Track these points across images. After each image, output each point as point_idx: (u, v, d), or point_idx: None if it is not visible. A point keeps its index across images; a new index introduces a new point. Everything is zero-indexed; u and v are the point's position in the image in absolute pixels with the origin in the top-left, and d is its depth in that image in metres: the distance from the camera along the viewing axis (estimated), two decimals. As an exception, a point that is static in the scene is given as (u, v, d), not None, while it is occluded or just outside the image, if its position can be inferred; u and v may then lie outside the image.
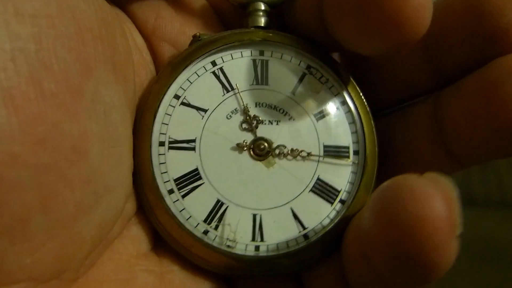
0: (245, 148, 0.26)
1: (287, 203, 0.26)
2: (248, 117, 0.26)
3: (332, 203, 0.26)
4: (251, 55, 0.27)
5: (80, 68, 0.20)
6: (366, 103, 0.28)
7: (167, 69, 0.27)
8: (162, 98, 0.26)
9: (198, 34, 0.27)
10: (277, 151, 0.26)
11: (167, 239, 0.26)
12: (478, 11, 0.24)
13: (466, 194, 0.26)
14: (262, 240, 0.25)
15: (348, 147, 0.27)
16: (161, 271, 0.26)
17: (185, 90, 0.26)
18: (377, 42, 0.23)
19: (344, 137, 0.27)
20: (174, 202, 0.25)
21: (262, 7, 0.29)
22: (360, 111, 0.27)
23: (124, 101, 0.23)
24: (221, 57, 0.27)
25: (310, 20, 0.26)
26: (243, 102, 0.27)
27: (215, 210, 0.25)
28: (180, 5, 0.29)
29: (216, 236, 0.25)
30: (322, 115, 0.27)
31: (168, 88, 0.26)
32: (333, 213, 0.26)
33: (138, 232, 0.26)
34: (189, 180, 0.26)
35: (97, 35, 0.21)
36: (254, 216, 0.26)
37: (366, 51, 0.25)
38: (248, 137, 0.26)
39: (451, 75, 0.26)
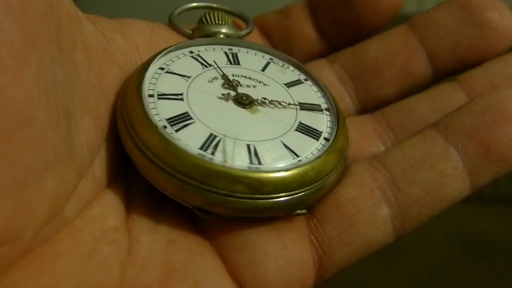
0: (230, 98, 0.28)
1: (277, 137, 0.27)
2: (228, 80, 0.29)
3: (317, 139, 0.28)
4: (222, 50, 0.32)
5: (24, 40, 0.20)
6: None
7: (148, 57, 0.30)
8: (147, 69, 0.28)
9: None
10: (259, 101, 0.28)
11: (158, 178, 0.25)
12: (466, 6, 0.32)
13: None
14: (259, 163, 0.25)
15: (319, 105, 0.30)
16: (127, 243, 0.24)
17: (168, 65, 0.29)
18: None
19: (315, 99, 0.30)
20: (169, 134, 0.25)
21: (221, 36, 0.34)
22: (322, 85, 0.31)
23: (70, 80, 0.24)
24: (197, 49, 0.31)
25: (306, 34, 0.34)
26: (222, 72, 0.30)
27: (209, 141, 0.26)
28: (172, 30, 0.34)
29: (213, 158, 0.25)
30: (291, 84, 0.31)
31: (152, 63, 0.29)
32: (320, 146, 0.27)
33: (101, 212, 0.25)
34: (180, 119, 0.26)
35: (41, 13, 0.21)
36: (248, 145, 0.26)
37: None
38: (231, 93, 0.29)
39: (447, 65, 0.32)
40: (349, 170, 0.29)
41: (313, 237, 0.27)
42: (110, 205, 0.26)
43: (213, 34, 0.34)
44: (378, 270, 0.37)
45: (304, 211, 0.26)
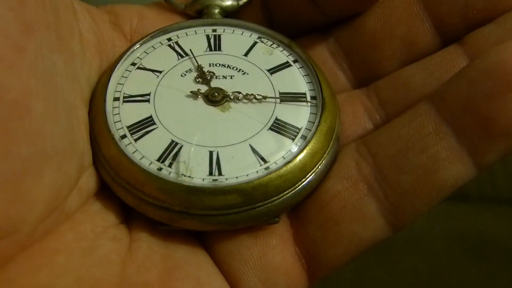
0: (200, 96, 0.26)
1: (245, 140, 0.25)
2: (202, 73, 0.27)
3: (293, 139, 0.25)
4: (204, 32, 0.29)
5: (21, 27, 0.20)
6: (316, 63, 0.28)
7: (126, 49, 0.28)
8: (119, 64, 0.27)
9: None
10: (232, 97, 0.26)
11: (117, 191, 0.24)
12: None
13: (459, 190, 0.25)
14: (220, 174, 0.24)
15: (304, 93, 0.27)
16: (128, 240, 0.24)
17: (141, 59, 0.28)
18: None
19: (300, 86, 0.27)
20: (126, 145, 0.24)
21: (216, 10, 0.31)
22: (313, 66, 0.28)
23: (70, 71, 0.23)
24: (177, 35, 0.29)
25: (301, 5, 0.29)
26: (197, 62, 0.28)
27: (169, 150, 0.24)
28: (162, 9, 0.32)
29: (170, 172, 0.23)
30: (275, 70, 0.28)
31: (126, 58, 0.27)
32: (295, 148, 0.25)
33: (103, 207, 0.25)
34: (142, 126, 0.25)
35: (39, 0, 0.21)
36: (211, 152, 0.24)
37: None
38: (203, 88, 0.26)
39: (457, 32, 0.27)
40: (337, 158, 0.26)
41: (297, 240, 0.25)
42: (112, 201, 0.26)
43: (207, 8, 0.31)
44: (378, 270, 0.35)
45: (276, 219, 0.24)
